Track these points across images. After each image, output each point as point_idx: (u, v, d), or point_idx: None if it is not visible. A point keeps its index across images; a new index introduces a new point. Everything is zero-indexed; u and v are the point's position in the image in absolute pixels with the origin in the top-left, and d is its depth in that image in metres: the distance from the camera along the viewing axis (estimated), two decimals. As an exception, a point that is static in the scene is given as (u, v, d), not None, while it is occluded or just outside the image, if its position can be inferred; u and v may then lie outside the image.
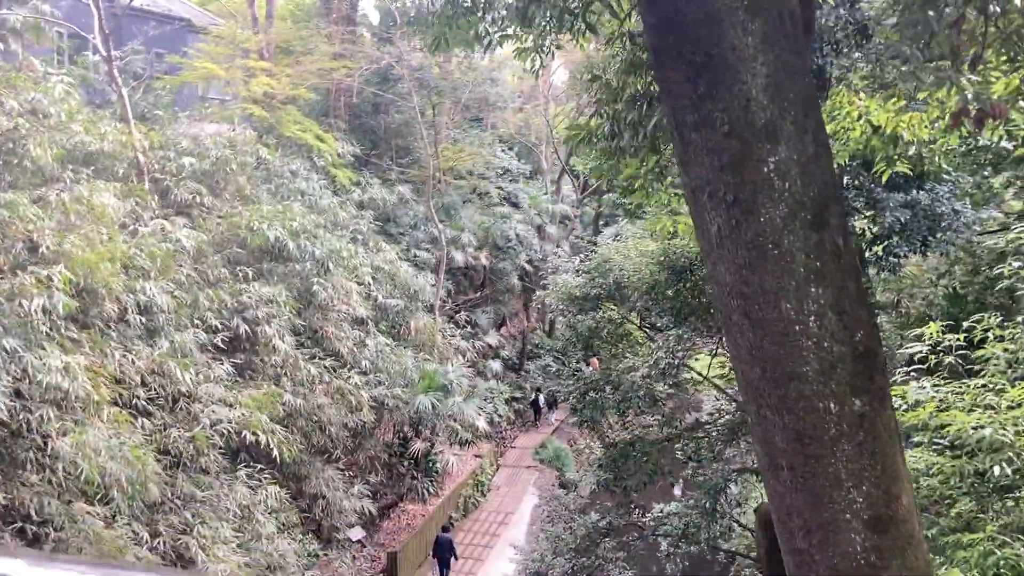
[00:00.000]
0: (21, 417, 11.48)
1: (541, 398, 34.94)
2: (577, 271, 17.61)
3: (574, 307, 16.67)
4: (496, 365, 30.75)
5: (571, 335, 17.19)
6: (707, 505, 13.39)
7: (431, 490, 24.60)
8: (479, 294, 33.74)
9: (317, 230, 21.04)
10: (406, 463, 23.86)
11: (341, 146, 27.05)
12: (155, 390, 14.95)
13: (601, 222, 45.18)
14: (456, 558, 21.93)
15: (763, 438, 3.98)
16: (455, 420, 22.66)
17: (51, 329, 12.85)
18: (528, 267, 34.26)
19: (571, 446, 35.33)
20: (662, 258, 13.71)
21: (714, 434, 14.76)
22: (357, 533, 22.02)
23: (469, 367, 25.42)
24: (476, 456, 28.73)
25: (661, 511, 15.25)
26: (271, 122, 24.85)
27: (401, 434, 23.73)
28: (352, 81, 27.48)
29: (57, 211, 14.88)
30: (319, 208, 22.77)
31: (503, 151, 37.34)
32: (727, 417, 14.79)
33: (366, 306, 21.86)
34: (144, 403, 14.53)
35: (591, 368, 42.28)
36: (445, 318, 27.27)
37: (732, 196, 3.66)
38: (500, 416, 29.76)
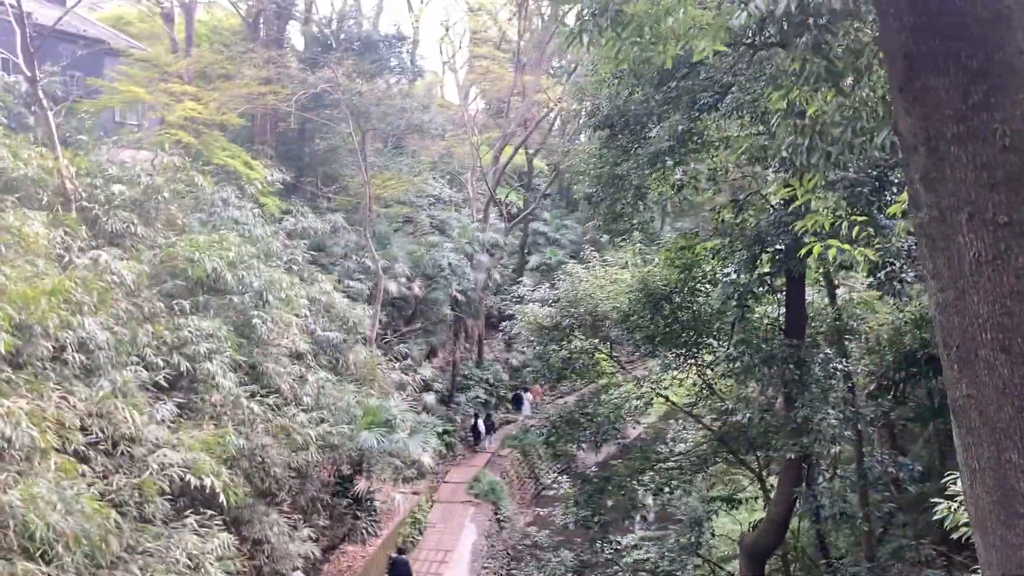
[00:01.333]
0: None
1: (480, 423, 35.86)
2: (543, 301, 17.31)
3: (544, 337, 16.34)
4: (430, 398, 30.10)
5: (541, 366, 16.82)
6: (690, 539, 13.16)
7: (370, 530, 23.70)
8: (410, 325, 33.04)
9: (252, 261, 20.17)
10: (346, 503, 22.90)
11: (270, 173, 26.12)
12: (95, 434, 13.85)
13: (525, 250, 45.20)
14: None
15: (999, 484, 3.61)
16: (398, 457, 21.93)
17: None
18: (460, 296, 33.79)
19: (503, 477, 34.94)
20: (640, 287, 13.55)
21: (684, 464, 14.60)
22: (297, 578, 20.98)
23: (411, 400, 24.72)
24: (413, 493, 27.95)
25: (636, 546, 14.94)
26: (198, 148, 23.79)
27: (340, 473, 22.81)
28: (285, 106, 26.65)
29: (-16, 242, 13.71)
30: (253, 238, 21.84)
31: (434, 179, 36.92)
32: (697, 447, 14.65)
33: (305, 339, 21.01)
34: (83, 448, 13.43)
35: (530, 396, 42.29)
36: (381, 351, 26.50)
37: (1005, 217, 3.31)
38: (434, 450, 29.03)
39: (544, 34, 44.74)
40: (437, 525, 28.30)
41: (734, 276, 11.98)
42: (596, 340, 16.04)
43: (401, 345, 29.19)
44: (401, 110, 30.34)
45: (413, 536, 26.78)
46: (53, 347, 13.79)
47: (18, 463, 11.19)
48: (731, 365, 12.50)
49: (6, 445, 11.06)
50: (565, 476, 19.03)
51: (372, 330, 25.57)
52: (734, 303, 11.85)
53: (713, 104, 10.40)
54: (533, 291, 18.31)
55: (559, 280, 17.17)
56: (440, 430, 31.79)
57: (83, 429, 13.68)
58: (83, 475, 12.75)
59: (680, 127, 10.76)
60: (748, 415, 11.97)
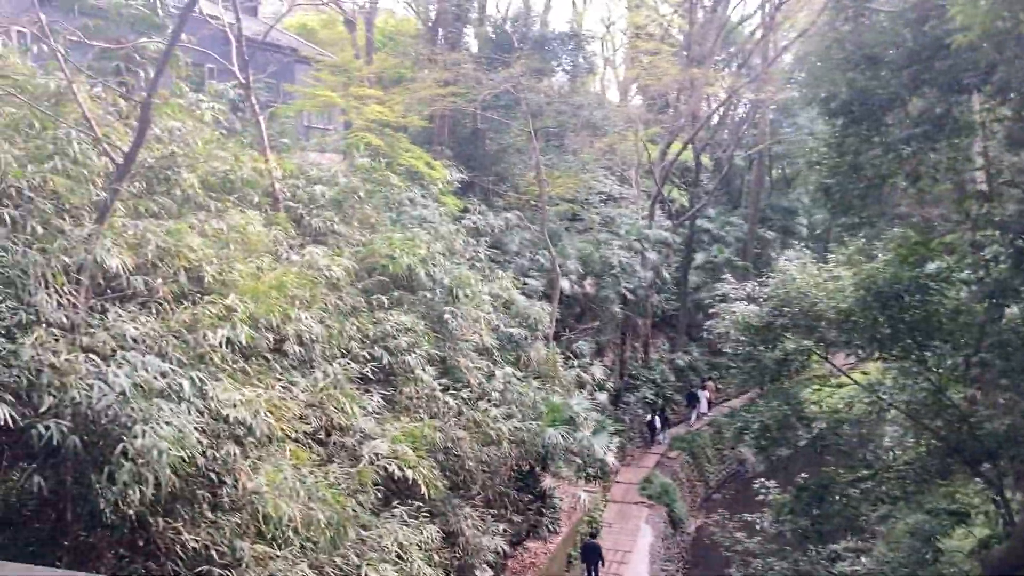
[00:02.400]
0: (208, 455, 10.96)
1: (657, 419, 36.74)
2: (750, 299, 16.73)
3: (754, 337, 15.78)
4: (602, 397, 29.89)
5: (751, 367, 16.26)
6: (925, 555, 12.33)
7: (551, 527, 23.76)
8: (579, 323, 32.96)
9: (439, 258, 20.60)
10: (528, 498, 23.03)
11: (449, 173, 26.64)
12: (312, 423, 14.43)
13: (691, 248, 44.22)
14: (603, 563, 23.86)
15: None
16: (580, 455, 21.86)
17: (221, 360, 12.42)
18: (628, 295, 33.42)
19: (673, 479, 34.36)
20: (867, 285, 12.80)
21: (908, 473, 13.69)
22: (485, 573, 21.24)
23: (588, 398, 24.60)
24: (587, 491, 27.85)
25: (839, 557, 14.16)
26: (385, 150, 24.52)
27: (523, 469, 22.95)
28: (471, 107, 27.13)
29: (214, 239, 14.52)
30: (439, 235, 22.31)
31: (604, 176, 36.76)
32: (916, 452, 13.68)
33: (491, 335, 21.26)
34: (302, 437, 14.02)
35: (706, 393, 41.84)
36: (560, 348, 26.50)
37: None
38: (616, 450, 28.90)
39: (712, 26, 43.62)
40: (613, 525, 28.07)
41: (986, 272, 11.12)
42: (811, 341, 15.31)
43: (578, 343, 29.09)
44: (577, 107, 30.28)
45: (584, 539, 26.65)
46: (273, 339, 14.46)
47: (256, 450, 11.73)
48: (979, 370, 11.60)
49: (246, 432, 11.62)
50: (772, 481, 18.25)
51: (550, 327, 25.62)
52: (988, 302, 10.96)
53: (976, 85, 9.67)
54: (737, 289, 17.75)
55: (768, 278, 16.55)
56: (612, 430, 31.64)
57: (301, 418, 14.30)
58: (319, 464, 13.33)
59: (937, 109, 10.07)
60: (1006, 422, 11.03)
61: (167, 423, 10.01)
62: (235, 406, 11.34)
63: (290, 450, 11.89)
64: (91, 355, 10.28)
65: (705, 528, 34.81)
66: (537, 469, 23.02)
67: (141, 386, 10.10)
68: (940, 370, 12.71)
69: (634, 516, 28.95)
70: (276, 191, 18.65)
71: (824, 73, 11.12)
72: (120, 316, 11.44)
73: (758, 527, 18.09)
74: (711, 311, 49.98)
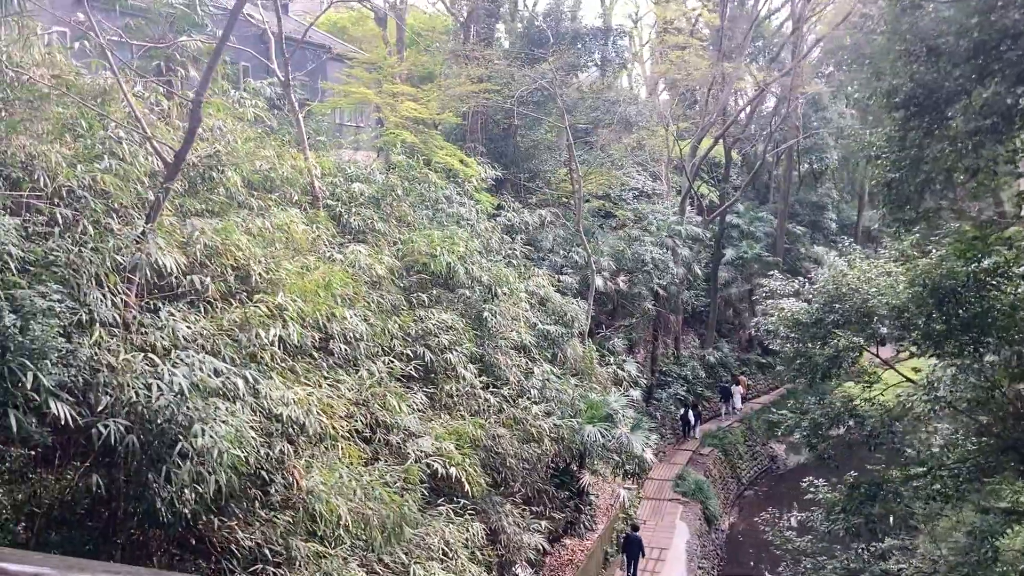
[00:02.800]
0: (262, 454, 10.95)
1: (691, 413, 37.24)
2: (797, 294, 16.54)
3: (803, 334, 15.58)
4: (636, 394, 29.74)
5: (801, 363, 16.05)
6: (985, 554, 12.10)
7: (588, 524, 23.67)
8: (611, 319, 32.81)
9: (476, 255, 20.55)
10: (566, 495, 22.95)
11: (483, 170, 26.56)
12: (359, 421, 14.42)
13: (721, 243, 43.89)
14: (644, 555, 24.39)
15: None
16: (618, 452, 21.75)
17: (271, 359, 12.41)
18: (660, 291, 33.23)
19: (706, 476, 34.15)
20: (923, 281, 12.56)
21: (961, 471, 13.44)
22: (525, 571, 21.20)
23: (624, 395, 24.45)
24: (626, 488, 27.72)
25: (885, 556, 13.94)
26: (420, 147, 24.48)
27: (558, 466, 22.87)
28: (507, 103, 27.01)
29: (259, 238, 14.52)
30: (475, 233, 22.26)
31: (637, 172, 36.56)
32: (969, 450, 13.41)
33: (529, 333, 21.19)
34: (347, 436, 14.00)
35: (739, 389, 41.89)
36: (596, 345, 26.38)
37: None
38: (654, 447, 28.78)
39: (741, 20, 43.24)
40: (648, 522, 27.88)
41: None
42: (862, 338, 15.09)
43: (613, 340, 28.96)
44: (611, 103, 30.10)
45: (626, 532, 26.51)
46: (319, 337, 14.46)
47: (309, 448, 11.72)
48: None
49: (299, 431, 11.61)
50: (821, 480, 17.98)
51: (586, 325, 25.50)
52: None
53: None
54: (785, 285, 17.54)
55: (818, 274, 16.33)
56: (648, 426, 31.52)
57: (348, 416, 14.29)
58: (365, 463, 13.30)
59: (1008, 100, 9.84)
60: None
61: (224, 422, 10.01)
62: (287, 405, 11.34)
63: (342, 448, 11.85)
64: (147, 354, 10.28)
65: (738, 525, 34.65)
66: (574, 466, 22.92)
67: (198, 385, 10.09)
68: (995, 367, 12.47)
69: (669, 513, 28.78)
70: (316, 189, 18.64)
71: (886, 65, 10.92)
72: (172, 315, 11.45)
73: (809, 525, 17.86)
74: (742, 307, 49.63)
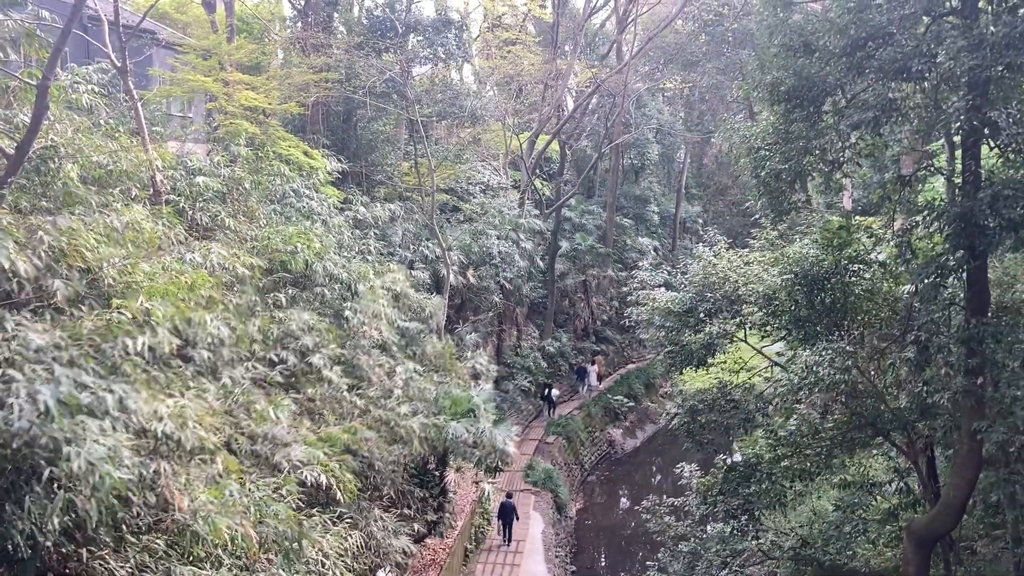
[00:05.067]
0: (136, 474, 9.95)
1: (555, 392, 39.60)
2: (666, 285, 16.98)
3: (676, 322, 15.98)
4: (488, 387, 29.77)
5: (675, 351, 16.45)
6: (856, 526, 12.87)
7: (448, 522, 23.44)
8: (460, 313, 32.69)
9: (331, 252, 19.80)
10: (424, 494, 22.58)
11: (328, 162, 25.65)
12: (225, 433, 13.47)
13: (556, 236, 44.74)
14: (518, 518, 26.37)
15: None
16: (481, 446, 21.63)
17: (133, 370, 11.34)
18: (507, 284, 33.44)
19: (552, 464, 34.78)
20: (794, 269, 13.20)
21: (822, 449, 14.31)
22: (384, 575, 20.69)
23: (484, 389, 24.36)
24: (475, 482, 27.66)
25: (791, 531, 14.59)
26: (261, 138, 23.29)
27: (420, 465, 22.47)
28: (343, 93, 26.09)
29: (108, 237, 13.24)
30: (329, 228, 21.44)
31: (482, 166, 36.48)
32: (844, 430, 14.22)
33: (389, 330, 20.65)
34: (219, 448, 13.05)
35: (595, 368, 43.21)
36: (452, 340, 26.11)
37: None
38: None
39: (567, 19, 44.21)
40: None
41: (912, 254, 11.71)
42: (734, 324, 15.71)
43: (470, 335, 28.81)
44: (455, 96, 29.83)
45: (483, 527, 26.52)
46: (179, 344, 13.40)
47: (186, 465, 10.81)
48: (895, 347, 12.23)
49: (175, 447, 10.69)
50: (694, 465, 18.58)
51: (443, 320, 25.21)
52: (922, 282, 11.49)
53: (923, 72, 10.11)
54: (653, 275, 17.99)
55: (686, 264, 16.84)
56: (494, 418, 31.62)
57: (215, 429, 13.32)
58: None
59: (891, 95, 10.47)
60: (947, 395, 11.63)
61: (96, 442, 9.00)
62: (160, 419, 10.38)
63: (221, 462, 10.99)
64: (5, 370, 9.09)
65: (586, 511, 35.55)
66: (436, 464, 22.60)
67: (64, 402, 9.02)
68: (852, 349, 13.34)
69: (522, 504, 29.00)
70: (158, 183, 17.28)
71: (770, 59, 11.38)
72: (21, 324, 10.19)
73: (686, 509, 18.48)
74: (576, 297, 50.69)
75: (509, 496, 26.63)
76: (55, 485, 8.88)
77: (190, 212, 18.02)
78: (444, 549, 22.79)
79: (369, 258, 22.63)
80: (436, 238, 28.74)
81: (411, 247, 28.28)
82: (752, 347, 16.14)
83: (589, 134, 49.64)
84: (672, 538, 18.06)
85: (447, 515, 22.72)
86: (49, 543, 9.34)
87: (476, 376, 24.95)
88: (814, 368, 12.89)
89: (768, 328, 14.59)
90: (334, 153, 26.53)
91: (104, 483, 8.50)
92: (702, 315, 15.59)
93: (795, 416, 14.55)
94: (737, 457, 18.12)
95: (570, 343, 46.30)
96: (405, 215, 28.73)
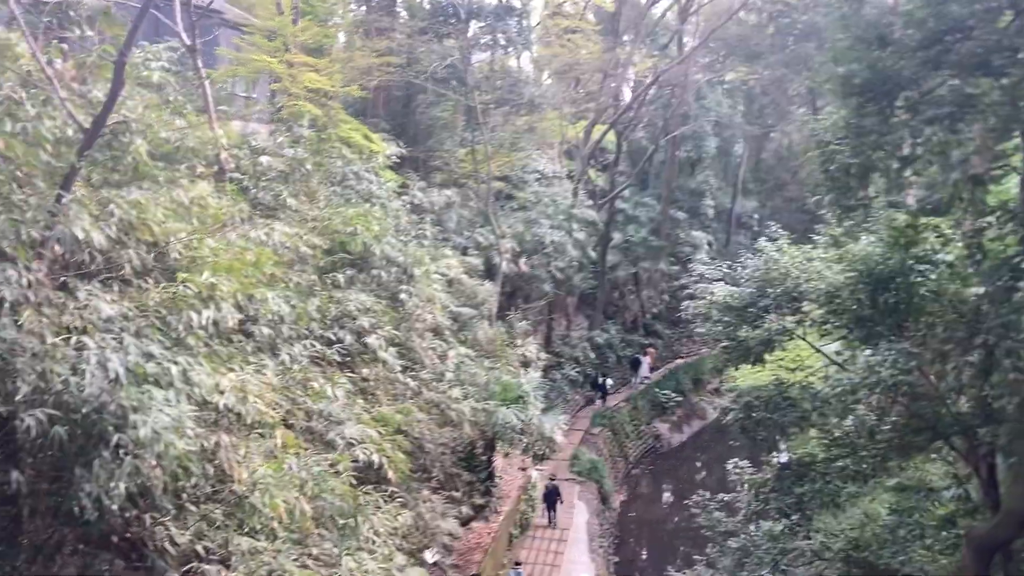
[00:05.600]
0: (198, 445, 10.19)
1: (608, 382, 39.28)
2: (724, 279, 16.83)
3: (735, 317, 15.85)
4: (537, 376, 29.82)
5: (732, 346, 16.33)
6: (912, 530, 12.66)
7: (494, 507, 23.60)
8: (511, 301, 32.75)
9: (389, 235, 19.98)
10: (472, 478, 22.75)
11: (387, 146, 25.83)
12: (282, 408, 13.70)
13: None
14: (562, 502, 26.61)
15: None
16: (529, 433, 21.74)
17: (197, 343, 11.59)
18: (558, 274, 33.39)
19: (598, 455, 34.74)
20: (859, 267, 12.98)
21: (878, 452, 14.07)
22: (431, 556, 20.91)
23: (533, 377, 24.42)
24: (520, 469, 27.77)
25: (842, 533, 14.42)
26: (324, 120, 23.53)
27: (468, 449, 22.63)
28: (404, 78, 26.26)
29: (174, 212, 13.53)
30: (388, 212, 21.63)
31: (538, 154, 36.48)
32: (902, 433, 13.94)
33: (443, 315, 20.80)
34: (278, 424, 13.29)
35: (647, 359, 43.13)
36: (503, 327, 26.19)
37: None
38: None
39: (628, 8, 43.80)
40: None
41: (983, 255, 11.45)
42: (794, 321, 15.54)
43: (520, 323, 28.87)
44: (514, 83, 29.83)
45: (527, 513, 26.62)
46: (241, 319, 13.64)
47: (246, 438, 11.04)
48: (959, 349, 11.95)
49: (235, 419, 10.92)
50: (746, 462, 18.45)
51: (494, 307, 25.32)
52: (993, 284, 11.24)
53: (1000, 69, 9.84)
54: (712, 269, 17.85)
55: (746, 259, 16.69)
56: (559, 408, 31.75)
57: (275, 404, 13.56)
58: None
59: (968, 90, 10.23)
60: (1014, 401, 11.33)
61: (162, 412, 9.24)
62: (222, 392, 10.61)
63: (280, 437, 11.19)
64: (74, 337, 9.36)
65: (630, 503, 35.47)
66: (482, 449, 22.76)
67: (132, 371, 9.26)
68: (914, 350, 13.08)
69: (567, 493, 29.02)
70: (223, 161, 17.58)
71: (842, 51, 11.16)
72: (92, 294, 10.48)
73: (736, 505, 18.37)
74: (627, 289, 50.45)
75: (553, 479, 26.86)
76: (120, 452, 9.13)
77: (253, 190, 18.33)
78: (489, 533, 22.92)
79: (425, 243, 22.75)
80: (491, 225, 28.82)
81: (465, 233, 28.41)
82: (811, 345, 15.92)
83: (646, 125, 49.13)
84: (721, 534, 17.92)
85: (493, 499, 22.86)
86: (115, 507, 9.59)
87: (526, 364, 25.01)
88: (876, 368, 12.67)
89: (827, 326, 14.40)
90: (393, 137, 26.69)
91: (169, 452, 8.71)
92: (761, 311, 15.43)
93: (852, 416, 14.32)
94: (784, 456, 17.92)
95: (618, 335, 46.10)
96: (460, 201, 28.84)
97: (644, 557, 31.69)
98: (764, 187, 72.59)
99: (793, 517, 15.43)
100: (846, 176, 11.76)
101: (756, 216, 68.13)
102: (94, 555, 11.12)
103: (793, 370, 16.51)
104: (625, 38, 46.49)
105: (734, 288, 16.16)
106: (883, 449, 13.89)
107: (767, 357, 16.07)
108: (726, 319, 16.06)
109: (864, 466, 14.16)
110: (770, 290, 15.08)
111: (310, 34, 25.21)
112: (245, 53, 23.82)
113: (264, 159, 18.70)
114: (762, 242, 16.30)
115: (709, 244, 55.78)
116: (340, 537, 11.10)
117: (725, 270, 17.44)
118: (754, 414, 15.59)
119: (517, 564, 22.86)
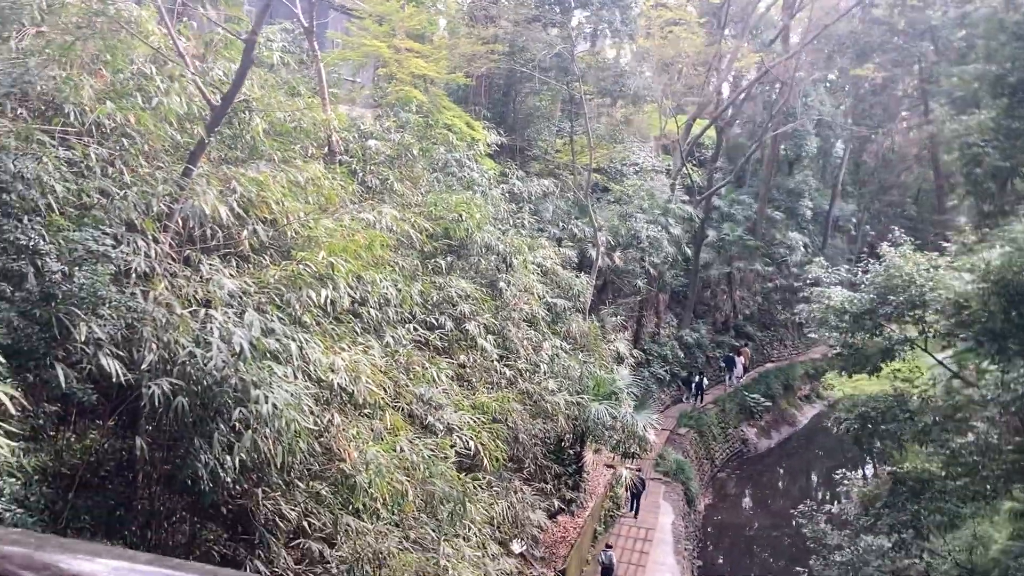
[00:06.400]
0: (313, 423, 10.26)
1: (706, 381, 39.48)
2: (844, 283, 16.24)
3: (852, 324, 15.27)
4: (626, 372, 29.45)
5: (847, 354, 15.76)
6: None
7: (581, 502, 23.40)
8: (602, 295, 32.43)
9: (486, 222, 19.91)
10: (560, 471, 22.60)
11: (488, 134, 25.79)
12: (387, 391, 13.77)
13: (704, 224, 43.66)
14: (647, 493, 27.04)
15: None
16: (621, 430, 21.43)
17: (311, 321, 11.69)
18: (652, 270, 32.88)
19: (684, 456, 34.16)
20: (993, 276, 12.29)
21: (1000, 472, 13.32)
22: (518, 546, 20.84)
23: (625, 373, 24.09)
24: (607, 465, 27.49)
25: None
26: (428, 107, 23.61)
27: (558, 443, 22.47)
28: (511, 67, 26.17)
29: (291, 192, 13.70)
30: (488, 200, 21.57)
31: (638, 147, 36.03)
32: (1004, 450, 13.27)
33: (538, 305, 20.65)
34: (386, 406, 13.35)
35: (742, 359, 42.60)
36: (598, 321, 25.92)
37: None
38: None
39: (739, 2, 42.74)
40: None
41: None
42: (916, 331, 14.85)
43: (613, 317, 28.58)
44: (619, 74, 29.45)
45: (613, 511, 26.35)
46: (351, 301, 13.74)
47: (356, 418, 11.08)
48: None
49: (347, 399, 10.98)
50: (858, 472, 17.84)
51: (589, 300, 25.06)
52: None
53: None
54: (830, 273, 17.21)
55: (869, 263, 16.01)
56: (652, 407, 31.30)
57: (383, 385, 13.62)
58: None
59: None
60: None
61: (281, 388, 9.32)
62: (336, 371, 10.67)
63: (389, 419, 11.21)
64: (201, 309, 9.52)
65: (714, 507, 34.79)
66: (572, 443, 22.57)
67: (255, 346, 9.36)
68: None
69: (652, 492, 28.62)
70: (334, 143, 17.77)
71: (995, 50, 10.53)
72: (215, 268, 10.66)
73: (843, 518, 17.73)
74: (719, 288, 49.56)
75: (638, 470, 26.62)
76: (237, 425, 9.25)
77: (361, 173, 18.46)
78: (575, 528, 22.75)
79: (523, 232, 22.63)
80: (587, 217, 28.53)
81: (560, 224, 28.19)
82: (933, 357, 15.15)
83: (745, 122, 47.98)
84: (824, 546, 17.27)
85: (581, 494, 22.66)
86: (229, 479, 9.74)
87: (618, 359, 24.68)
88: (1011, 385, 11.95)
89: (952, 337, 13.67)
90: (493, 126, 26.64)
91: (289, 428, 8.76)
92: (880, 318, 14.76)
93: (972, 434, 13.59)
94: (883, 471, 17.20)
95: (708, 335, 45.25)
96: (557, 192, 28.62)
97: (720, 561, 31.02)
98: (864, 190, 70.13)
99: (904, 535, 14.75)
100: (990, 180, 11.12)
101: (854, 220, 66.00)
102: (202, 524, 11.38)
103: (910, 380, 15.80)
104: (727, 32, 45.49)
105: (852, 294, 15.52)
106: (1005, 470, 13.15)
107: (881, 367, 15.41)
108: (843, 325, 15.43)
109: (987, 487, 13.44)
110: (892, 297, 14.40)
111: (417, 20, 25.32)
112: (355, 37, 24.06)
113: (372, 143, 18.82)
114: (884, 247, 15.59)
115: (805, 246, 54.20)
116: (445, 522, 11.04)
117: (845, 273, 16.78)
118: (870, 425, 14.94)
119: (608, 547, 22.68)
